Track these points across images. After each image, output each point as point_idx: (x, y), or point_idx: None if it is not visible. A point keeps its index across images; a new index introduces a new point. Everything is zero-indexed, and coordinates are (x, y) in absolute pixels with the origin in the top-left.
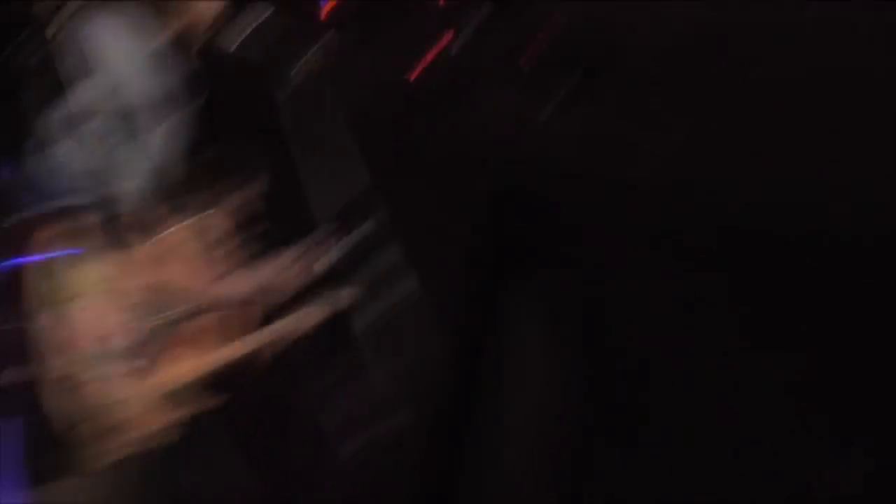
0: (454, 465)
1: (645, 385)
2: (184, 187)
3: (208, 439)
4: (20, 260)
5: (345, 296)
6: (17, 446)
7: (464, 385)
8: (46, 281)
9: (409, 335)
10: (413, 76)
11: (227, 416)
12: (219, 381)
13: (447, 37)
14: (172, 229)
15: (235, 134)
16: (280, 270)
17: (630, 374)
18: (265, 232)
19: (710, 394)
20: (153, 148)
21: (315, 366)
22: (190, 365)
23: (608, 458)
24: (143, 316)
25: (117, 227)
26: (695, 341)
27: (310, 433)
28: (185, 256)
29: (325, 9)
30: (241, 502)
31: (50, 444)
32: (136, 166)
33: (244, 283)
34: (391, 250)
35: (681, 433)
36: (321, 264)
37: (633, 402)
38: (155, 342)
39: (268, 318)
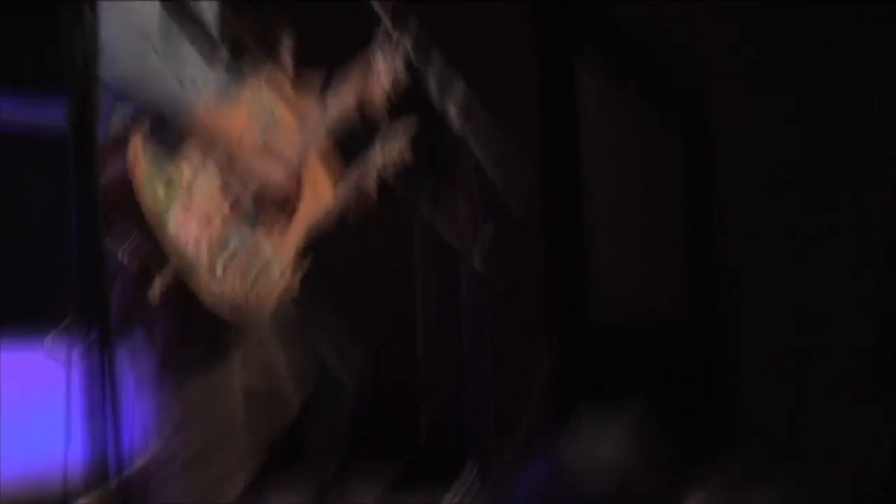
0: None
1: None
2: (239, 55)
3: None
4: (121, 172)
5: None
6: (168, 345)
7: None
8: (151, 186)
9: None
10: None
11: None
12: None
13: None
14: (244, 98)
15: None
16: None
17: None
18: (323, 76)
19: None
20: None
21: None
22: (308, 218)
23: None
24: (248, 190)
25: (196, 119)
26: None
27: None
28: (262, 121)
29: None
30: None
31: (203, 337)
32: (200, 51)
33: (329, 116)
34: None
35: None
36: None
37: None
38: (267, 208)
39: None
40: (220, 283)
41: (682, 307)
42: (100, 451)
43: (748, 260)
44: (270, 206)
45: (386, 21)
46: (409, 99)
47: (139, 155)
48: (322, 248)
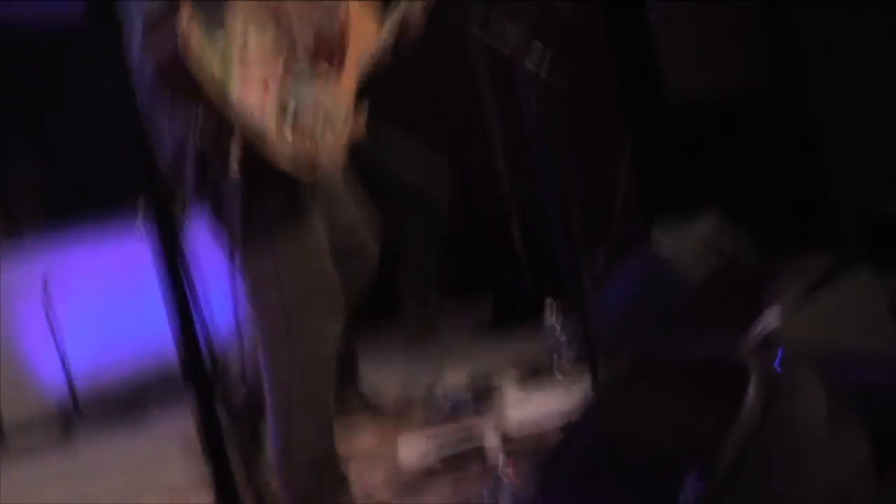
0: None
1: None
2: None
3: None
4: (173, 48)
5: None
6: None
7: None
8: (207, 58)
9: None
10: None
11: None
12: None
13: None
14: None
15: None
16: None
17: None
18: None
19: None
20: None
21: None
22: (359, 60)
23: None
24: (299, 45)
25: None
26: None
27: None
28: None
29: None
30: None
31: (280, 198)
32: None
33: None
34: None
35: None
36: None
37: None
38: (319, 60)
39: None
40: (288, 142)
41: (760, 84)
42: (186, 328)
43: (830, 26)
44: (322, 57)
45: None
46: None
47: (190, 27)
48: (384, 81)
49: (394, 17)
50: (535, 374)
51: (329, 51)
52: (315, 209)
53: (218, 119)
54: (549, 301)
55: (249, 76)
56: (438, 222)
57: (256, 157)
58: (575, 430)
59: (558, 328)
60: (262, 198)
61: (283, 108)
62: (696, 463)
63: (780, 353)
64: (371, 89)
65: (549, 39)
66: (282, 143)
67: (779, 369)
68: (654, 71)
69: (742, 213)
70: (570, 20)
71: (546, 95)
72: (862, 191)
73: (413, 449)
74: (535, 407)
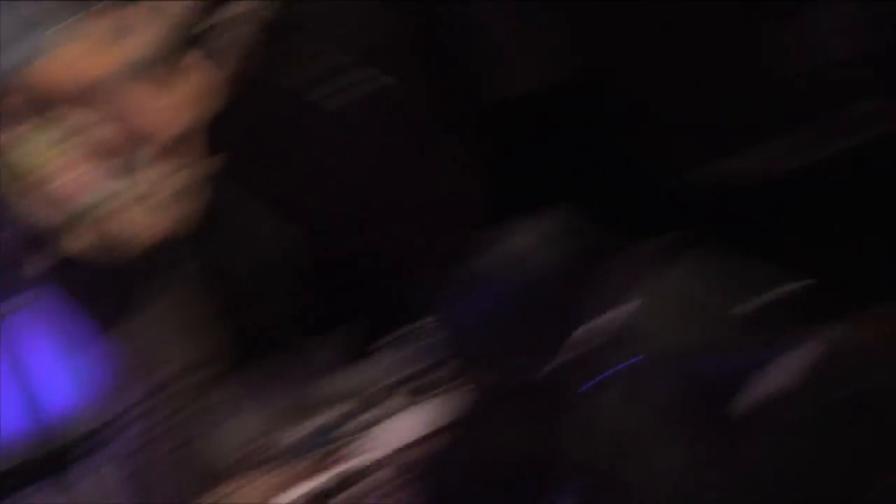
0: None
1: None
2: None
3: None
4: None
5: None
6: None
7: None
8: (16, 151)
9: None
10: None
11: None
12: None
13: None
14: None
15: None
16: None
17: None
18: None
19: None
20: None
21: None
22: (190, 127)
23: None
24: (119, 132)
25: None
26: None
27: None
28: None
29: None
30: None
31: (127, 278)
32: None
33: None
34: None
35: None
36: None
37: None
38: (146, 138)
39: None
40: (123, 222)
41: (586, 71)
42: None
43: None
44: (148, 135)
45: None
46: None
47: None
48: (223, 140)
49: (224, 75)
50: (401, 395)
51: (156, 126)
52: (171, 279)
53: (37, 211)
54: (407, 323)
55: (68, 166)
56: (288, 267)
57: (90, 245)
58: (439, 453)
59: (420, 348)
60: (107, 281)
61: (110, 192)
62: (537, 478)
63: (619, 348)
64: (212, 154)
65: (365, 58)
66: (114, 227)
67: (612, 367)
68: (477, 71)
69: (588, 203)
70: (382, 34)
71: (371, 116)
72: (700, 164)
73: (290, 493)
74: (404, 429)
